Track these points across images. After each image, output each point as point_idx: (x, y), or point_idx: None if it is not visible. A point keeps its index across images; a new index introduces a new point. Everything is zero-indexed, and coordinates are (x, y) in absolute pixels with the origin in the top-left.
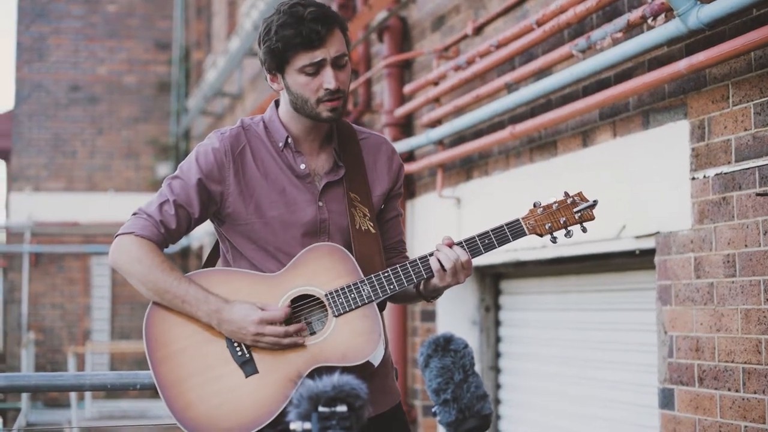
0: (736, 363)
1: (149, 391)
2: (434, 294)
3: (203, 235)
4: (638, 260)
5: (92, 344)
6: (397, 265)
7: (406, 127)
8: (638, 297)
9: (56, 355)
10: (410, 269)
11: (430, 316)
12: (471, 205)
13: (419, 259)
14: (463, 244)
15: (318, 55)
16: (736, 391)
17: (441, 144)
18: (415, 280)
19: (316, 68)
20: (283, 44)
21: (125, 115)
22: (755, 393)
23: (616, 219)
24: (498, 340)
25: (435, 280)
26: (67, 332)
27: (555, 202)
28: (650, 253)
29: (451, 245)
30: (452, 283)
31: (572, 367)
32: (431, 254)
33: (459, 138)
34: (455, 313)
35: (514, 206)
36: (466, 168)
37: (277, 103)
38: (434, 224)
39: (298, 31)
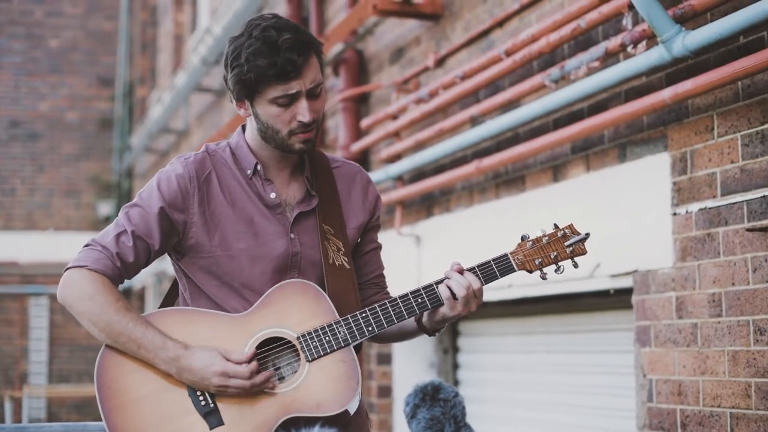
0: (723, 408)
1: None
2: (440, 326)
3: (146, 276)
4: (610, 300)
5: (29, 388)
6: (376, 305)
7: (362, 162)
8: (611, 338)
9: None
10: (390, 308)
11: (386, 359)
12: (431, 243)
13: (411, 293)
14: (476, 270)
15: (293, 87)
16: None
17: (400, 180)
18: (396, 321)
19: (290, 100)
20: (256, 75)
21: (66, 152)
22: None
23: (590, 257)
24: (456, 383)
25: (444, 310)
26: (4, 376)
27: (545, 236)
28: (626, 292)
29: (461, 271)
30: (463, 312)
31: (539, 412)
32: (438, 283)
33: (419, 174)
34: (412, 356)
35: (478, 244)
36: (427, 205)
37: (243, 128)
38: (393, 263)
39: (272, 61)
